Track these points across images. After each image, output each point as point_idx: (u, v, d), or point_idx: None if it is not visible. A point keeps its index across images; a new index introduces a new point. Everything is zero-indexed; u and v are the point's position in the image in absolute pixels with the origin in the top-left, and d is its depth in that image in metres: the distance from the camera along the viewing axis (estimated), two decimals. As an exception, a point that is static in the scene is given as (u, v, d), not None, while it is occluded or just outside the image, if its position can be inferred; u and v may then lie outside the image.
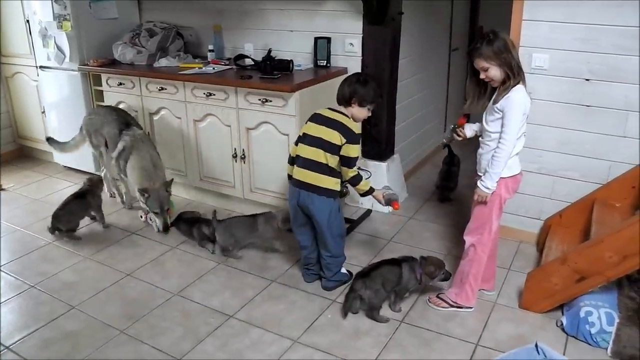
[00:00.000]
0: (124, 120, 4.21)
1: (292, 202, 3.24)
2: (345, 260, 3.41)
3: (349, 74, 3.46)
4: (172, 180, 4.02)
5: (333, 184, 3.12)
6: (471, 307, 3.15)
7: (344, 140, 3.03)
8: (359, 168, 4.27)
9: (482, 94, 2.89)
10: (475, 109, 2.95)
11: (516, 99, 2.69)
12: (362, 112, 3.14)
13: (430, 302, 3.22)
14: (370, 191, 3.23)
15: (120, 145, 4.08)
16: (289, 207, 3.32)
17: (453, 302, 3.16)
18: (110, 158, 4.28)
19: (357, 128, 3.12)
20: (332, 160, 3.07)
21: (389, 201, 3.29)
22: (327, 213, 3.15)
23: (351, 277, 3.29)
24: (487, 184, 2.83)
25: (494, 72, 2.72)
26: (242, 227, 3.72)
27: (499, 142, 2.76)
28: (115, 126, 4.16)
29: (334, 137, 3.04)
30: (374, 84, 3.15)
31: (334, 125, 3.07)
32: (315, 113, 3.20)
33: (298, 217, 3.28)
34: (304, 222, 3.28)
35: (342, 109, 3.14)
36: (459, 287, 3.14)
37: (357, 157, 3.13)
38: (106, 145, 4.33)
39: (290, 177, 3.28)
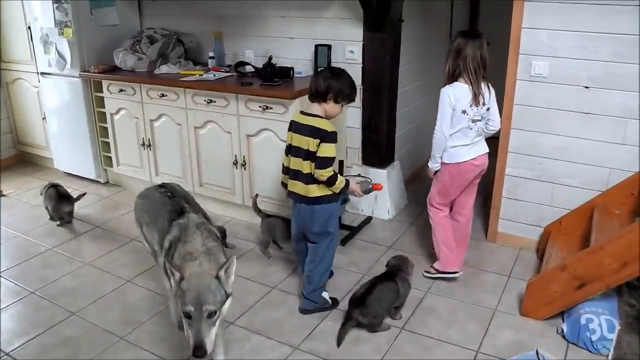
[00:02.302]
0: (178, 206, 2.79)
1: (294, 212, 3.17)
2: (328, 278, 3.28)
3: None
4: (229, 260, 2.28)
5: (324, 189, 3.00)
6: (456, 272, 3.47)
7: (317, 142, 2.89)
8: (358, 175, 4.31)
9: None
10: None
11: (441, 94, 3.14)
12: (336, 109, 3.00)
13: (424, 272, 3.57)
14: (346, 186, 3.05)
15: (166, 243, 2.62)
16: (292, 217, 3.24)
17: (437, 270, 3.50)
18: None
19: (330, 126, 2.93)
20: (314, 168, 2.95)
21: (367, 190, 3.23)
22: (325, 220, 3.05)
23: (333, 306, 3.23)
24: (429, 164, 3.31)
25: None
26: (281, 229, 3.75)
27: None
28: (165, 218, 2.75)
29: (309, 143, 2.91)
30: (349, 77, 3.00)
31: (307, 131, 2.93)
32: (291, 120, 3.08)
33: (297, 229, 3.20)
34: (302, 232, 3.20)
35: (314, 107, 2.99)
36: (438, 257, 3.51)
37: (333, 157, 2.92)
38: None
39: (283, 184, 3.24)
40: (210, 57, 4.68)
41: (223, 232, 3.87)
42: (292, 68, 4.16)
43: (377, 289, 2.98)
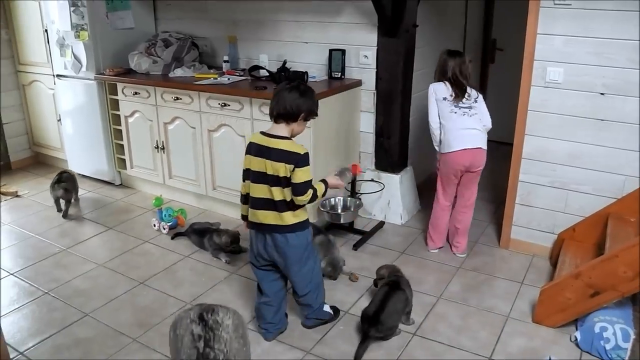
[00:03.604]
0: None
1: (256, 249, 2.91)
2: (324, 294, 3.13)
3: (302, 86, 2.83)
4: None
5: (299, 215, 2.81)
6: (429, 250, 3.98)
7: (291, 167, 2.67)
8: (371, 180, 4.31)
9: None
10: None
11: (429, 88, 3.66)
12: (303, 127, 2.83)
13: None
14: (326, 188, 2.90)
15: None
16: (249, 253, 3.02)
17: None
18: None
19: (302, 148, 2.73)
20: (287, 194, 2.73)
21: (348, 178, 3.44)
22: (303, 248, 2.87)
23: (335, 316, 3.18)
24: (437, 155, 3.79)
25: None
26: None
27: None
28: None
29: (279, 169, 2.68)
30: (314, 92, 2.86)
31: (277, 156, 2.70)
32: (250, 142, 2.83)
33: (260, 260, 2.94)
34: (269, 263, 2.94)
35: (280, 127, 2.76)
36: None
37: (310, 180, 2.73)
38: None
39: (244, 217, 2.97)
40: (225, 61, 4.71)
41: (236, 237, 3.88)
42: (306, 72, 4.17)
43: (389, 303, 2.93)
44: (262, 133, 2.80)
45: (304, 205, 2.80)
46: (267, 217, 2.79)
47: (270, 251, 2.86)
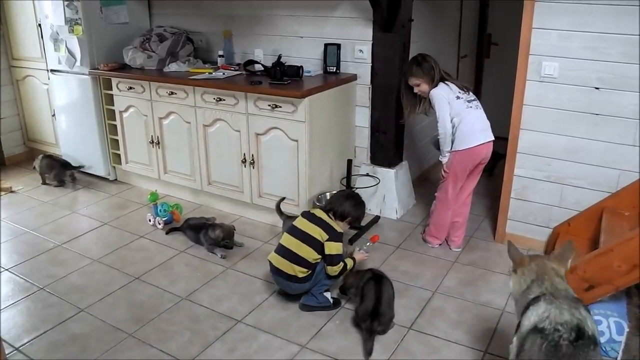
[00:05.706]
0: None
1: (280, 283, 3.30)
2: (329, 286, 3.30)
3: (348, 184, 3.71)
4: None
5: (305, 272, 3.14)
6: (432, 246, 3.96)
7: (325, 237, 3.13)
8: (367, 174, 4.31)
9: (415, 105, 3.78)
10: (412, 118, 3.96)
11: (435, 94, 3.57)
12: (345, 228, 3.32)
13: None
14: (354, 263, 3.31)
15: None
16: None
17: (423, 237, 4.04)
18: None
19: (340, 228, 3.24)
20: (310, 255, 3.12)
21: (369, 248, 3.56)
22: (310, 285, 3.20)
23: (335, 307, 3.24)
24: (442, 159, 3.70)
25: (424, 87, 3.62)
26: None
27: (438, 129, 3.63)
28: None
29: (315, 232, 3.15)
30: (364, 204, 3.42)
31: (318, 222, 3.20)
32: (306, 210, 3.45)
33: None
34: None
35: (330, 214, 3.27)
36: (426, 229, 4.03)
37: (340, 254, 3.19)
38: None
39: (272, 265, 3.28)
40: (220, 56, 4.68)
41: (230, 231, 3.88)
42: (301, 67, 4.15)
43: (384, 295, 2.97)
44: (321, 208, 3.34)
45: (332, 276, 3.20)
46: (284, 265, 3.15)
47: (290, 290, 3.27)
